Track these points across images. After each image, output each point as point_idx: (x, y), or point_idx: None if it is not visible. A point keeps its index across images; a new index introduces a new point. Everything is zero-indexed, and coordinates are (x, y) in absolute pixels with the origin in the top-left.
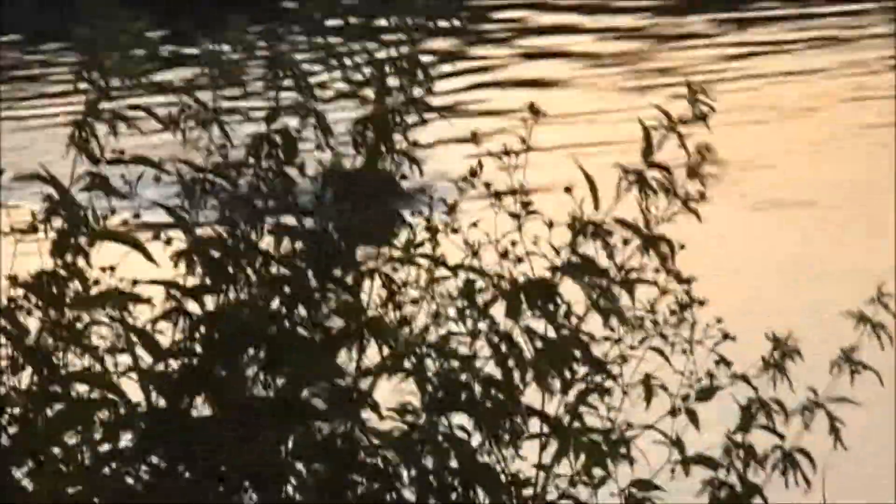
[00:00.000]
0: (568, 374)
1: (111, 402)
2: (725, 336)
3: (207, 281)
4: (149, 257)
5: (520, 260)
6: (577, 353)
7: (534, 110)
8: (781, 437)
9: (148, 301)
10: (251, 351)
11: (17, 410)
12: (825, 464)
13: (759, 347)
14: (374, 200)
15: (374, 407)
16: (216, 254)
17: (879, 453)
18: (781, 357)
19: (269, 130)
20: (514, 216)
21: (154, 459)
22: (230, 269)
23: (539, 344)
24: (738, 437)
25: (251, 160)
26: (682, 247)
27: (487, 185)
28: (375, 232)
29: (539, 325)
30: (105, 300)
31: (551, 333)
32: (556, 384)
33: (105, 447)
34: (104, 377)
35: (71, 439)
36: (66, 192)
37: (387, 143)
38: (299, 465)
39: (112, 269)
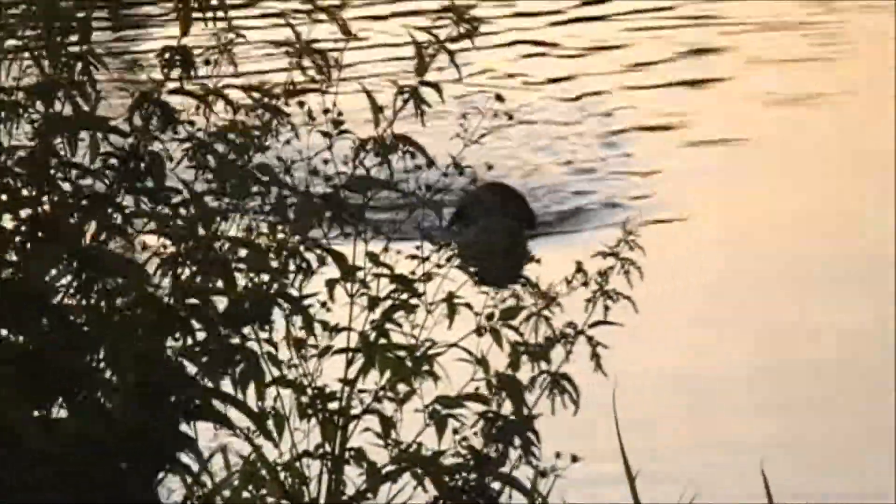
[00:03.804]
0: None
1: None
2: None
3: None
4: None
5: (328, 179)
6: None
7: (346, 31)
8: (549, 361)
9: None
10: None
11: None
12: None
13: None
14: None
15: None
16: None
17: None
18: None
19: None
20: (326, 135)
21: None
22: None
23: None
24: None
25: None
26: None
27: (301, 104)
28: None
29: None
30: None
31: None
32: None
33: None
34: None
35: None
36: None
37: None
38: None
39: None
